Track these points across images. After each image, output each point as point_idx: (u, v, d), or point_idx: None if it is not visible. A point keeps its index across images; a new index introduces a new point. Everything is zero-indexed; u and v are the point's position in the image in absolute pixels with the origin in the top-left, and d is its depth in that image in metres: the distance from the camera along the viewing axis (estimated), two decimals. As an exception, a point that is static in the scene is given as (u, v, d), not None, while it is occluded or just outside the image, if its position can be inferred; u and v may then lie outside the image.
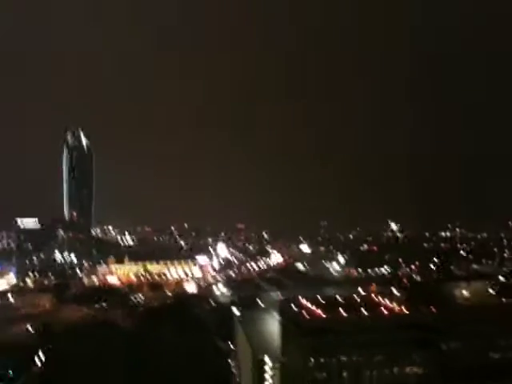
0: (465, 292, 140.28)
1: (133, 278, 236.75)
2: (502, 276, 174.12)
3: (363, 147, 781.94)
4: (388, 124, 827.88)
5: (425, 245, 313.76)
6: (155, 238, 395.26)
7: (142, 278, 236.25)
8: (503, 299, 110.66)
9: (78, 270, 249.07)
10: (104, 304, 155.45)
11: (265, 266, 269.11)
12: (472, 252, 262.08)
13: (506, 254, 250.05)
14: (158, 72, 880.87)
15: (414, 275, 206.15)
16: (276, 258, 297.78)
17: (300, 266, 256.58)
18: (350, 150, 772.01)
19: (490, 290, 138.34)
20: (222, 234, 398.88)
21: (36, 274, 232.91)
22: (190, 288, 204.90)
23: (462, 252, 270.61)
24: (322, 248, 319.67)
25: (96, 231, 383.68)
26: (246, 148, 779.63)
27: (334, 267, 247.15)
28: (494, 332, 77.80)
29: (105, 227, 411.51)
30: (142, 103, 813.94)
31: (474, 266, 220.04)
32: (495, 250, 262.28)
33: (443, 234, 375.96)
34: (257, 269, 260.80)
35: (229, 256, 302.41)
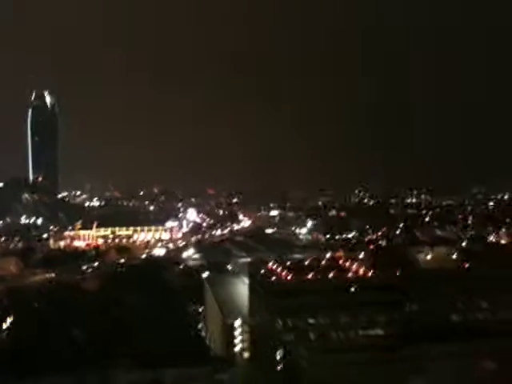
0: (428, 256, 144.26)
1: (101, 242, 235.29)
2: (465, 242, 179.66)
3: (331, 114, 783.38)
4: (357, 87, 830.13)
5: (391, 211, 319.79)
6: (124, 203, 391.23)
7: (109, 242, 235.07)
8: (465, 264, 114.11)
9: (44, 234, 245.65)
10: (71, 268, 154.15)
11: (234, 231, 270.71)
12: (437, 218, 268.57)
13: (469, 221, 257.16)
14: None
15: (380, 240, 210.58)
16: (246, 223, 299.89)
17: (269, 230, 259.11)
18: (319, 116, 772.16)
19: (453, 255, 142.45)
20: (192, 199, 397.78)
21: (1, 237, 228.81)
22: (159, 252, 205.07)
23: (426, 218, 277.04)
24: (291, 214, 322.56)
25: (63, 195, 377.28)
26: (219, 113, 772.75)
27: (303, 232, 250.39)
28: (455, 295, 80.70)
29: (72, 191, 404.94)
30: (117, 58, 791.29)
31: (438, 232, 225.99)
32: (459, 216, 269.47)
33: (409, 200, 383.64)
34: (226, 233, 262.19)
35: (198, 221, 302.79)
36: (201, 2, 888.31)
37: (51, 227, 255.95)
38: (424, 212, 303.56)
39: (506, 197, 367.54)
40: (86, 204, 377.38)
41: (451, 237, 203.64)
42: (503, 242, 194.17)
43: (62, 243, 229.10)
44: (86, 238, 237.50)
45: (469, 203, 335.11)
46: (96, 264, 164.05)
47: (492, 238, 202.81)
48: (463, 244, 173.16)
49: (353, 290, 72.79)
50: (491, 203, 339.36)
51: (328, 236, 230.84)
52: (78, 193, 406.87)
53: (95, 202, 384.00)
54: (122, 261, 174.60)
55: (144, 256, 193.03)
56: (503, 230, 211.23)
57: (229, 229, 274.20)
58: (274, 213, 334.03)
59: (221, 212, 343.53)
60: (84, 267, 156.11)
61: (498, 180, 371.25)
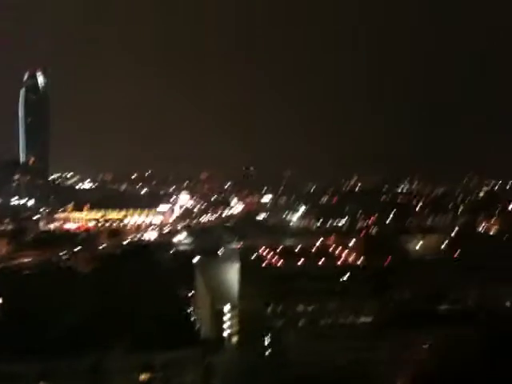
0: (419, 245, 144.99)
1: (92, 224, 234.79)
2: (455, 230, 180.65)
3: (324, 97, 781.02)
4: (351, 78, 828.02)
5: (383, 197, 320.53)
6: (116, 186, 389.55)
7: (101, 225, 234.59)
8: (455, 252, 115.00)
9: (35, 216, 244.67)
10: (61, 249, 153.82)
11: (227, 216, 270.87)
12: (428, 206, 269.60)
13: (460, 210, 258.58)
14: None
15: (371, 227, 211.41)
16: (238, 208, 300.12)
17: (262, 215, 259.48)
18: (313, 100, 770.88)
19: (443, 244, 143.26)
20: (185, 183, 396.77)
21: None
22: (151, 236, 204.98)
23: (418, 206, 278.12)
24: (284, 198, 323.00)
25: (54, 177, 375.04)
26: (212, 99, 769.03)
27: (295, 218, 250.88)
28: (444, 283, 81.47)
29: (64, 173, 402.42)
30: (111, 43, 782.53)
31: (429, 220, 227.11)
32: (450, 205, 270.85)
33: (401, 187, 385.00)
34: (219, 218, 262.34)
35: (191, 205, 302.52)
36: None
37: (42, 209, 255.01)
38: (415, 200, 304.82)
39: (496, 188, 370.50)
40: (78, 186, 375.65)
41: (442, 225, 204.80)
42: (493, 230, 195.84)
43: (52, 225, 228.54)
44: (77, 220, 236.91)
45: (460, 192, 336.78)
46: (86, 247, 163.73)
47: (482, 227, 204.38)
48: (453, 232, 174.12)
49: (342, 276, 73.32)
50: (482, 192, 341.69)
51: (320, 222, 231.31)
52: (70, 175, 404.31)
53: (87, 185, 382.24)
54: (113, 244, 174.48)
55: (135, 239, 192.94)
56: (493, 219, 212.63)
57: (221, 214, 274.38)
58: (266, 197, 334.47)
59: (214, 197, 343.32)
60: (74, 250, 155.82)
61: (489, 170, 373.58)
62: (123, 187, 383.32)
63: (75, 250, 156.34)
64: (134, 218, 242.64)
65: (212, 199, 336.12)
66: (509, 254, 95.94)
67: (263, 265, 75.71)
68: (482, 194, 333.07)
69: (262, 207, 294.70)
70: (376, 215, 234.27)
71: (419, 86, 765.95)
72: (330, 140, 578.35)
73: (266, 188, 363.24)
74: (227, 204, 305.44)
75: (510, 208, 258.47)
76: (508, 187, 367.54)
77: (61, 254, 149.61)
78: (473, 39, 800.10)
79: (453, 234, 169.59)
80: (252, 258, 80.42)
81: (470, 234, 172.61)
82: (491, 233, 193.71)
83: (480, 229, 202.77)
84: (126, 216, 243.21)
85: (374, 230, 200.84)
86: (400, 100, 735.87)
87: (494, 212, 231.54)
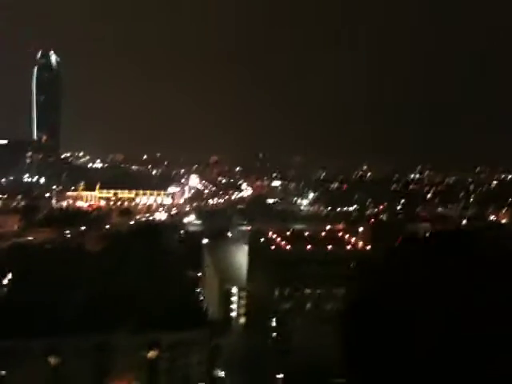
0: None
1: (103, 203, 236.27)
2: (465, 219, 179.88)
3: (334, 89, 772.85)
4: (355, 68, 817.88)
5: (393, 186, 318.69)
6: (127, 166, 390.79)
7: (111, 203, 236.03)
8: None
9: (47, 194, 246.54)
10: (72, 227, 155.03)
11: (236, 199, 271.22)
12: (438, 195, 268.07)
13: (471, 199, 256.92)
14: None
15: (380, 215, 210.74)
16: (247, 192, 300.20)
17: (270, 200, 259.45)
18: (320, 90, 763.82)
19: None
20: (196, 165, 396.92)
21: (3, 195, 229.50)
22: (160, 216, 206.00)
23: (428, 195, 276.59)
24: (293, 184, 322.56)
25: (66, 155, 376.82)
26: (224, 81, 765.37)
27: (304, 203, 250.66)
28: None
29: (75, 152, 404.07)
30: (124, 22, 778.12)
31: (439, 209, 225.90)
32: (461, 194, 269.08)
33: (412, 176, 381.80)
34: (228, 201, 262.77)
35: (201, 187, 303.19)
36: None
37: (54, 187, 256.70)
38: (426, 188, 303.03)
39: (509, 176, 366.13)
40: (89, 165, 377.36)
41: (452, 214, 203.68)
42: (503, 221, 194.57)
43: (64, 203, 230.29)
44: (89, 198, 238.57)
45: (472, 182, 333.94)
46: (97, 226, 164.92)
47: (492, 218, 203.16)
48: (463, 222, 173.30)
49: (350, 262, 73.20)
50: (494, 182, 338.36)
51: (329, 208, 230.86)
52: (81, 154, 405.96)
53: (98, 164, 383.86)
54: (123, 223, 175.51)
55: (145, 220, 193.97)
56: (504, 209, 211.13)
57: (231, 197, 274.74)
58: (275, 182, 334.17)
59: (223, 180, 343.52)
60: (85, 228, 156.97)
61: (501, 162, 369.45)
62: (134, 168, 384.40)
63: (86, 228, 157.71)
64: (144, 198, 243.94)
65: (222, 181, 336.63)
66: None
67: (272, 248, 75.65)
68: (493, 185, 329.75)
69: (271, 192, 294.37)
70: (386, 203, 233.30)
71: (419, 86, 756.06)
72: (340, 128, 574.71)
73: (275, 174, 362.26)
74: (237, 188, 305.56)
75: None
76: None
77: (71, 232, 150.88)
78: (473, 39, 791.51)
79: (463, 224, 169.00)
80: (261, 240, 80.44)
81: (480, 224, 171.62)
82: (502, 222, 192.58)
83: (490, 218, 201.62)
84: (137, 196, 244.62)
85: (383, 218, 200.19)
86: (400, 100, 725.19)
87: (505, 202, 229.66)
